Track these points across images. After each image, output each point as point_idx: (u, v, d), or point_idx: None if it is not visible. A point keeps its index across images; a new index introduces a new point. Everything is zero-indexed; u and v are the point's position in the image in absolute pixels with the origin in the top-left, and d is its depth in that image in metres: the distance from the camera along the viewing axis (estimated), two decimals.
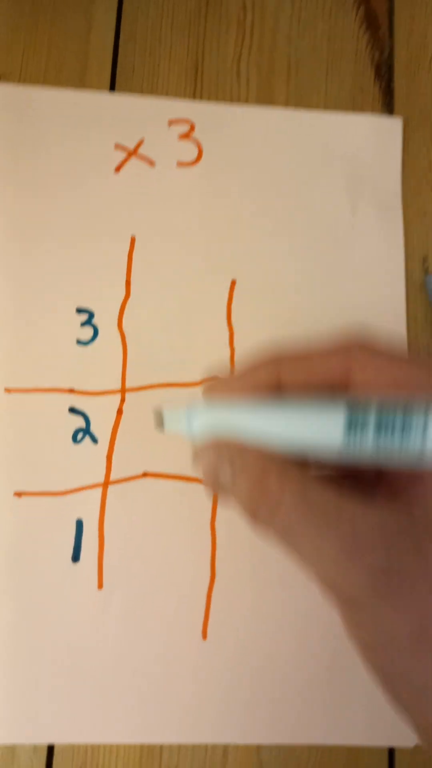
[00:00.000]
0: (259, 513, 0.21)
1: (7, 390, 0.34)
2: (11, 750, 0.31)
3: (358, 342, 0.22)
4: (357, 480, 0.24)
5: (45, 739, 0.31)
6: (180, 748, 0.31)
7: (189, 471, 0.33)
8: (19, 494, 0.33)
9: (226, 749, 0.32)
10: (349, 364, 0.22)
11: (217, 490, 0.23)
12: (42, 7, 0.39)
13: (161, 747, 0.31)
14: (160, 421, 0.24)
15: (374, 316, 0.36)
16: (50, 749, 0.31)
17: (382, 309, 0.36)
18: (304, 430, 0.21)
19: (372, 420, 0.20)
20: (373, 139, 0.38)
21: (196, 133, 0.37)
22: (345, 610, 0.21)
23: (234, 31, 0.39)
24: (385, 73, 0.39)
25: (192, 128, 0.37)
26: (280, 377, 0.23)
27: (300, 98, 0.39)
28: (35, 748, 0.31)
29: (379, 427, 0.20)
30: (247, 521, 0.22)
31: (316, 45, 0.40)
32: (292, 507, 0.20)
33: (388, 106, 0.39)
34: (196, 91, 0.38)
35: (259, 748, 0.32)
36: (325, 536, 0.20)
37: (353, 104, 0.39)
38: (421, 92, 0.39)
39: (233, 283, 0.36)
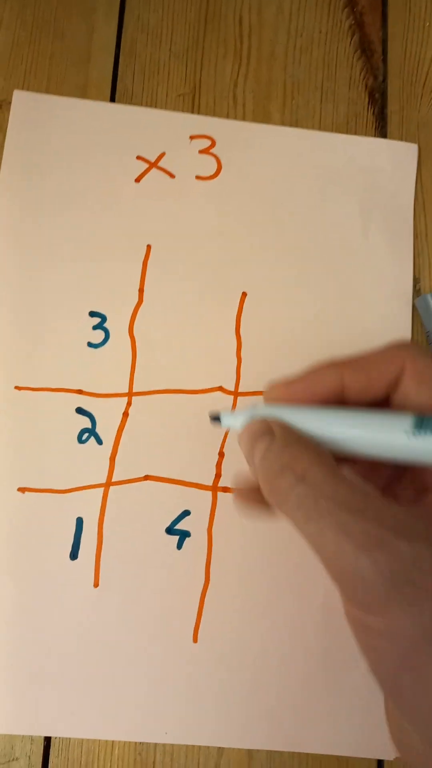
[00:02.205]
0: (279, 482, 0.21)
1: (17, 388, 0.34)
2: (9, 740, 0.32)
3: (408, 348, 0.24)
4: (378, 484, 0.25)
5: (42, 732, 0.32)
6: (174, 747, 0.32)
7: (190, 476, 0.34)
8: (22, 490, 0.33)
9: (220, 750, 0.32)
10: (402, 369, 0.23)
11: (252, 462, 0.24)
12: (44, 21, 0.39)
13: (155, 745, 0.32)
14: (215, 418, 0.26)
15: (380, 337, 0.36)
16: (47, 741, 0.32)
17: (388, 330, 0.37)
18: (369, 429, 0.22)
19: None
20: (389, 164, 0.39)
21: (216, 149, 0.38)
22: (353, 600, 0.20)
23: (231, 57, 0.40)
24: (378, 98, 0.40)
25: (213, 144, 0.38)
26: (342, 384, 0.24)
27: (295, 123, 0.39)
28: (33, 739, 0.32)
29: None
30: (266, 493, 0.23)
31: (311, 71, 0.40)
32: (316, 485, 0.21)
33: (381, 131, 0.40)
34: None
35: (250, 752, 0.32)
36: (348, 522, 0.19)
37: (347, 129, 0.40)
38: (413, 118, 0.40)
39: (244, 295, 0.36)
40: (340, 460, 0.23)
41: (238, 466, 0.34)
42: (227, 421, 0.26)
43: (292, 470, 0.21)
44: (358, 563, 0.19)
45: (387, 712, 0.23)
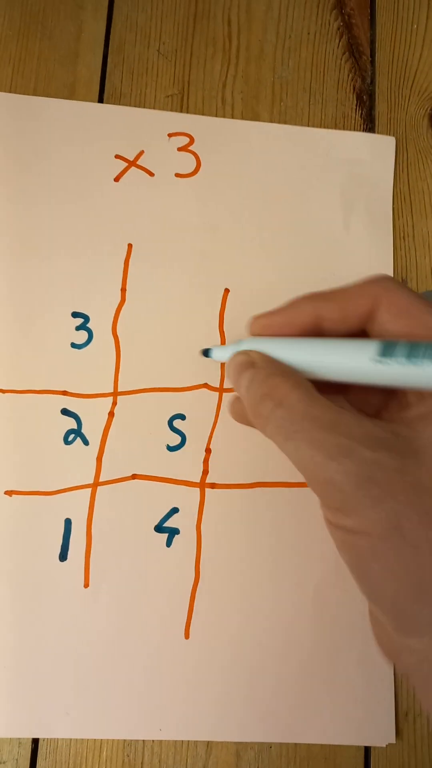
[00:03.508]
0: (262, 408, 0.24)
1: (2, 391, 0.34)
2: None
3: (384, 281, 0.25)
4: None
5: (29, 733, 0.31)
6: (162, 744, 0.32)
7: (177, 474, 0.34)
8: (9, 493, 0.33)
9: (209, 745, 0.32)
10: (377, 302, 0.25)
11: (239, 390, 0.27)
12: (32, 21, 0.40)
13: (143, 742, 0.32)
14: (205, 352, 0.31)
15: None
16: (35, 743, 0.32)
17: None
18: (338, 354, 0.25)
19: (402, 348, 0.23)
20: (368, 157, 0.39)
21: (194, 146, 0.38)
22: (329, 505, 0.23)
23: (219, 58, 0.40)
24: (366, 100, 0.40)
25: (191, 141, 0.38)
26: (318, 314, 0.26)
27: (284, 124, 0.39)
28: (20, 741, 0.32)
29: (408, 355, 0.23)
30: (251, 418, 0.26)
31: (300, 72, 0.40)
32: (294, 408, 0.23)
33: (369, 132, 0.40)
34: None
35: (238, 753, 0.32)
36: (323, 437, 0.22)
37: (335, 129, 0.40)
38: (401, 119, 0.40)
39: (226, 291, 0.37)
40: (332, 389, 0.26)
41: (225, 462, 0.34)
42: (216, 354, 0.30)
43: (272, 397, 0.24)
44: (329, 470, 0.22)
45: (371, 618, 0.25)
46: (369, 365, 0.24)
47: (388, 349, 0.23)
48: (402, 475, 0.21)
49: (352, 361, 0.24)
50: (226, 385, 0.35)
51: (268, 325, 0.28)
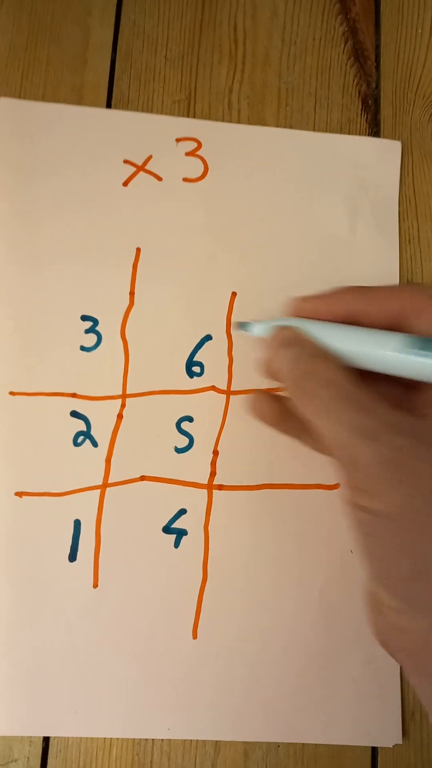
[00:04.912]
0: (307, 385, 0.26)
1: (12, 393, 0.35)
2: (8, 742, 0.32)
3: (416, 286, 0.27)
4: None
5: (40, 732, 0.32)
6: (171, 743, 0.32)
7: (185, 475, 0.34)
8: (20, 494, 0.34)
9: (217, 744, 0.32)
10: (405, 304, 0.27)
11: (274, 371, 0.28)
12: (41, 28, 0.40)
13: (153, 741, 0.32)
14: (243, 327, 0.31)
15: None
16: (46, 742, 0.32)
17: None
18: (369, 343, 0.26)
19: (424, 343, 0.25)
20: (373, 161, 0.39)
21: (202, 151, 0.38)
22: (353, 485, 0.24)
23: (226, 63, 0.40)
24: (371, 104, 0.41)
25: (199, 146, 0.38)
26: (356, 306, 0.28)
27: (289, 128, 0.40)
28: (31, 740, 0.32)
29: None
30: (291, 393, 0.27)
31: (306, 77, 0.41)
32: (339, 389, 0.25)
33: (374, 137, 0.40)
34: None
35: (246, 752, 0.32)
36: (360, 420, 0.23)
37: (341, 134, 0.40)
38: (406, 123, 0.40)
39: (233, 295, 0.37)
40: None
41: (232, 464, 0.35)
42: (256, 329, 0.30)
43: (317, 375, 0.25)
44: (360, 450, 0.23)
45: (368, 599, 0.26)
46: (405, 357, 0.25)
47: (426, 343, 0.25)
48: (427, 463, 0.22)
49: (388, 351, 0.26)
50: (234, 387, 0.36)
51: (310, 308, 0.29)
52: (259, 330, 0.30)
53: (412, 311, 0.26)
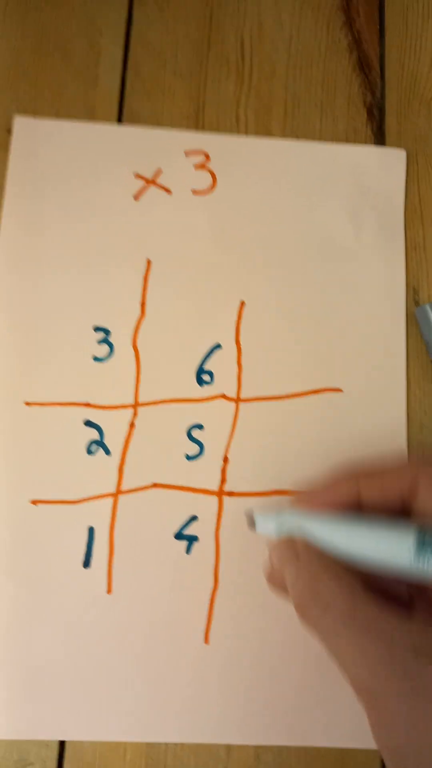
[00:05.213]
0: (308, 611, 0.26)
1: (27, 403, 0.35)
2: (24, 746, 0.32)
3: (423, 460, 0.28)
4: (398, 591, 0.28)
5: (56, 736, 0.32)
6: (184, 747, 0.33)
7: (196, 482, 0.35)
8: (35, 502, 0.34)
9: (229, 748, 0.33)
10: (416, 482, 0.27)
11: (281, 587, 0.28)
12: (55, 47, 0.41)
13: (166, 745, 0.33)
14: (252, 523, 0.31)
15: (374, 340, 0.37)
16: (61, 746, 0.32)
17: (383, 334, 0.37)
18: (377, 549, 0.27)
19: None
20: (379, 170, 0.39)
21: (210, 163, 0.39)
22: (372, 710, 0.24)
23: (233, 77, 0.41)
24: (376, 114, 0.41)
25: (207, 158, 0.39)
26: (359, 493, 0.28)
27: (296, 139, 0.40)
28: (47, 744, 0.32)
29: None
30: (298, 614, 0.27)
31: (311, 89, 0.41)
32: (339, 613, 0.25)
33: (380, 146, 0.40)
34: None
35: (257, 756, 0.33)
36: (365, 645, 0.23)
37: (347, 144, 0.40)
38: (410, 133, 0.41)
39: (242, 304, 0.37)
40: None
41: (242, 471, 0.35)
42: (261, 527, 0.31)
43: (318, 600, 0.25)
44: (369, 680, 0.23)
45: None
46: (417, 567, 0.25)
47: (424, 547, 0.25)
48: None
49: (399, 561, 0.26)
50: (243, 395, 0.36)
51: (311, 502, 0.30)
52: (263, 528, 0.30)
53: (421, 489, 0.27)
